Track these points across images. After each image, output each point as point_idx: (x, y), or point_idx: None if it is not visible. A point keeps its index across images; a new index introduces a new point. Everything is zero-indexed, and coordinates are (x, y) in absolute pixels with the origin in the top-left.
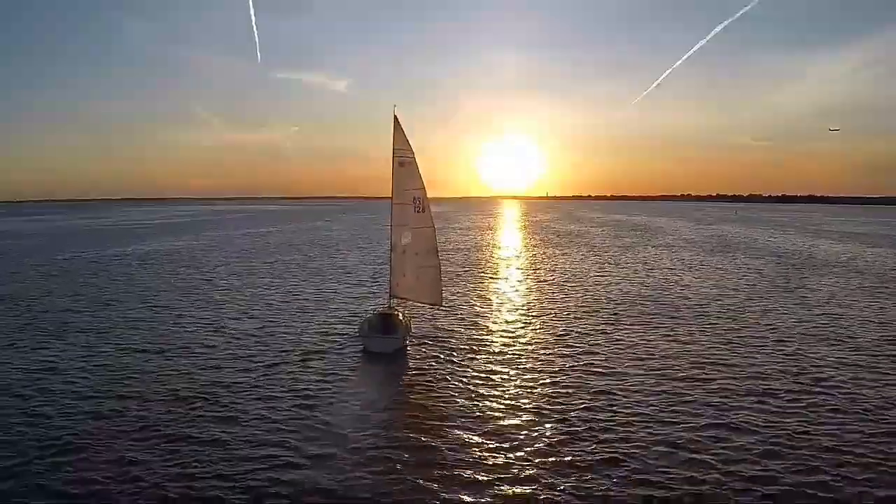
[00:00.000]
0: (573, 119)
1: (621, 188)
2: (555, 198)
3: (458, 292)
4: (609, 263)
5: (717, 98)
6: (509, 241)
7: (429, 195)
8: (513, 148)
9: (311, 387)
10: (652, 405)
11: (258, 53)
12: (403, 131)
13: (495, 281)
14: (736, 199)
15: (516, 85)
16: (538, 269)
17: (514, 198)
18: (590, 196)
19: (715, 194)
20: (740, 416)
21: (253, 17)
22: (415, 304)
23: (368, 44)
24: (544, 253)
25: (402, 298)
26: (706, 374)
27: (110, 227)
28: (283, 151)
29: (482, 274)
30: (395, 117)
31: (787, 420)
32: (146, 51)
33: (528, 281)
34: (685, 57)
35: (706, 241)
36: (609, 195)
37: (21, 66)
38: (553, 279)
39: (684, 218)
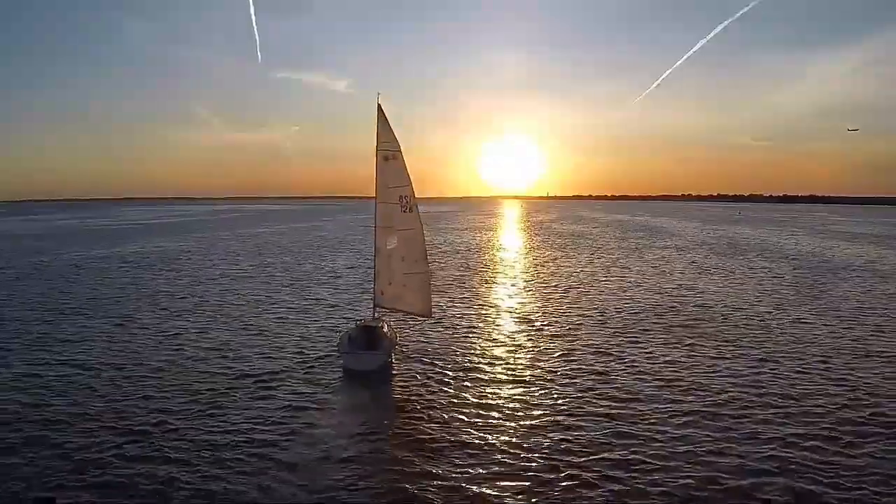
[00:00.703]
0: (573, 119)
1: (622, 188)
2: (555, 198)
3: (451, 301)
4: (616, 267)
5: (717, 98)
6: (509, 242)
7: (429, 195)
8: (513, 148)
9: (274, 416)
10: (681, 441)
11: (258, 53)
12: (388, 122)
13: (493, 288)
14: (737, 199)
15: (516, 85)
16: (540, 274)
17: (515, 197)
18: (590, 196)
19: (716, 194)
20: (800, 456)
21: (253, 17)
22: (402, 314)
23: (368, 44)
24: (546, 256)
25: (387, 309)
26: (746, 400)
27: (104, 226)
28: (283, 151)
29: (479, 280)
30: (379, 106)
31: (858, 462)
32: (146, 51)
33: (530, 288)
34: (685, 57)
35: (715, 243)
36: (609, 195)
37: (21, 66)
38: (557, 285)
39: (688, 218)
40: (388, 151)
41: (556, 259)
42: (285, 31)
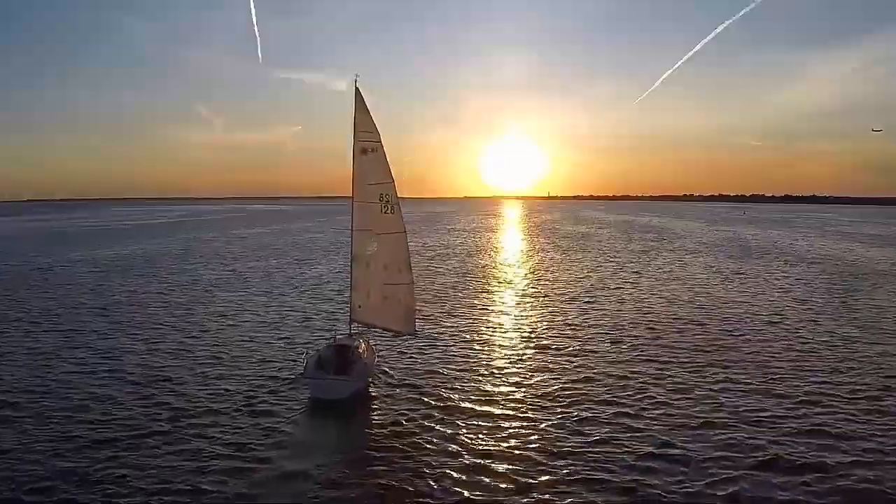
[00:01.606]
0: (574, 119)
1: (623, 188)
2: (556, 198)
3: (441, 314)
4: (626, 272)
5: (717, 98)
6: (509, 244)
7: (429, 195)
8: (514, 148)
9: (214, 463)
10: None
11: (259, 53)
12: (368, 109)
13: (490, 299)
14: (739, 199)
15: (516, 85)
16: (543, 281)
17: (516, 198)
18: (592, 196)
19: (718, 194)
20: None
21: (254, 17)
22: (381, 332)
23: (368, 44)
24: (550, 260)
25: (365, 324)
26: (804, 454)
27: (98, 228)
28: (283, 151)
29: (474, 289)
30: (358, 91)
31: None
32: (146, 51)
33: (532, 299)
34: (686, 57)
35: (727, 245)
36: (611, 195)
37: (21, 66)
38: (562, 295)
39: (693, 218)
40: (367, 143)
41: (560, 263)
42: (285, 31)
